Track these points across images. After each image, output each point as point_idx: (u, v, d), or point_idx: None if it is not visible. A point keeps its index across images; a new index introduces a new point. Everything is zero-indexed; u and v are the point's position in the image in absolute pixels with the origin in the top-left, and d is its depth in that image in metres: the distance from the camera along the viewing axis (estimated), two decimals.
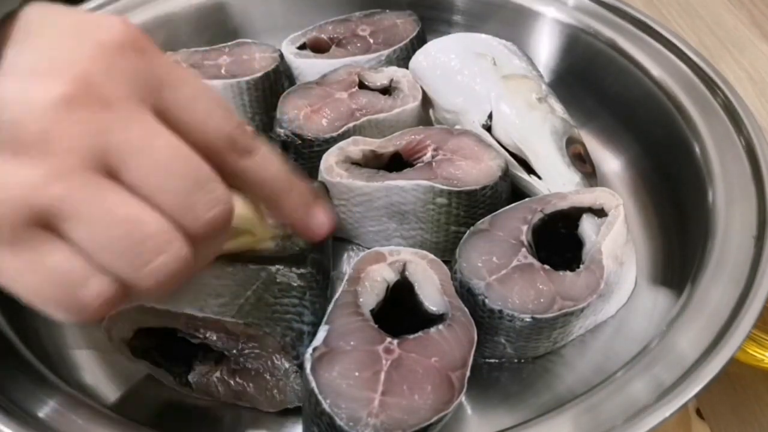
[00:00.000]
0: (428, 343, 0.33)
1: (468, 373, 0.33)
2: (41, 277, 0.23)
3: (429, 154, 0.45)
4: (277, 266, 0.37)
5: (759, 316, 0.35)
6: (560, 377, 0.39)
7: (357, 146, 0.45)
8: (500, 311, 0.36)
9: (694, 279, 0.38)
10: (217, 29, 0.59)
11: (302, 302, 0.37)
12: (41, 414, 0.32)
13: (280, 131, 0.47)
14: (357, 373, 0.31)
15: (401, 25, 0.56)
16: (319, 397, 0.31)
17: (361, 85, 0.51)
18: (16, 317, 0.40)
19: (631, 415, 0.31)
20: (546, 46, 0.58)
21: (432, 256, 0.39)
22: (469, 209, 0.43)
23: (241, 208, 0.37)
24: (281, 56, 0.54)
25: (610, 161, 0.53)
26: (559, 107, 0.49)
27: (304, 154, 0.47)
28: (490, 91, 0.48)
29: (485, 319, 0.37)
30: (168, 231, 0.23)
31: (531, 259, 0.38)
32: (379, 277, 0.37)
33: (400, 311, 0.36)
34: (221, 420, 0.38)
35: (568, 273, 0.38)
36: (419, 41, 0.55)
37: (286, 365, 0.35)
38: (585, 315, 0.39)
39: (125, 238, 0.23)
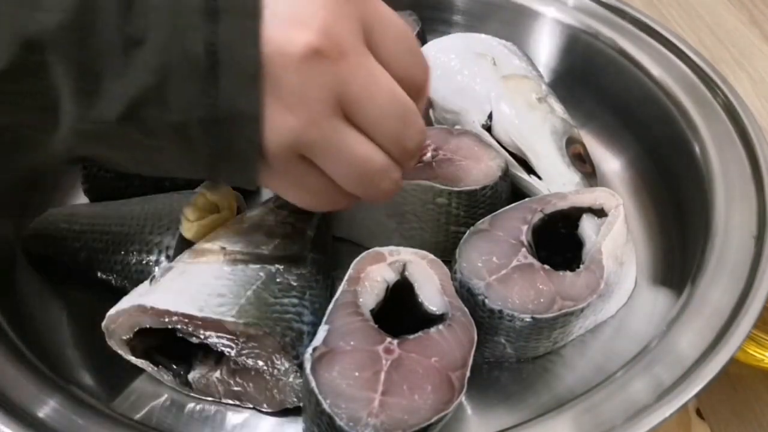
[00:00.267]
0: (428, 343, 0.33)
1: (468, 373, 0.33)
2: (302, 192, 0.33)
3: (429, 154, 0.45)
4: (277, 266, 0.37)
5: (759, 316, 0.35)
6: (560, 377, 0.39)
7: None
8: (500, 311, 0.36)
9: (694, 279, 0.38)
10: None
11: (302, 302, 0.37)
12: (41, 414, 0.32)
13: None
14: (357, 373, 0.31)
15: None
16: (319, 397, 0.31)
17: None
18: (16, 317, 0.40)
19: (631, 415, 0.31)
20: (546, 46, 0.58)
21: (432, 256, 0.39)
22: (469, 209, 0.43)
23: (225, 188, 0.42)
24: None
25: (610, 161, 0.53)
26: (559, 107, 0.49)
27: None
28: (490, 91, 0.48)
29: (485, 319, 0.37)
30: (388, 164, 0.32)
31: (531, 259, 0.38)
32: (379, 277, 0.37)
33: (400, 311, 0.36)
34: (221, 420, 0.38)
35: (568, 273, 0.38)
36: (419, 41, 0.55)
37: (286, 365, 0.35)
38: (585, 315, 0.39)
39: (362, 172, 0.31)
